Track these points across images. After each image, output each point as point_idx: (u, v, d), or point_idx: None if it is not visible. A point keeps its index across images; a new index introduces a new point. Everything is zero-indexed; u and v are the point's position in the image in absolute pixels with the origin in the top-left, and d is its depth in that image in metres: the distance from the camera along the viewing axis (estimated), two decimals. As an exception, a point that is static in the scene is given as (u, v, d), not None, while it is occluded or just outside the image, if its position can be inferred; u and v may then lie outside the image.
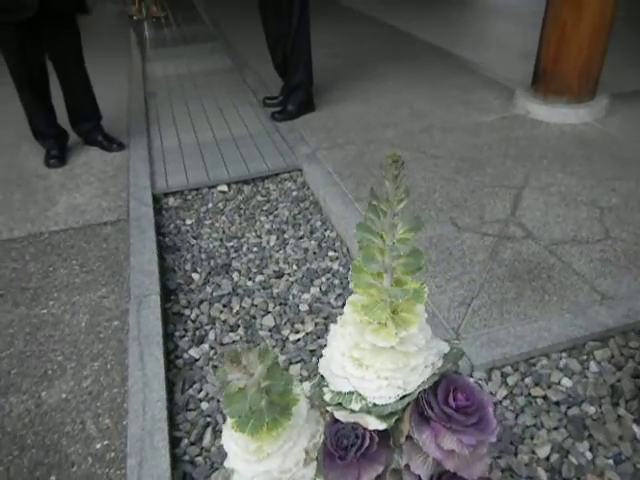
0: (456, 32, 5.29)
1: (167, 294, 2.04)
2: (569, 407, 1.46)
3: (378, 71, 4.16)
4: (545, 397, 1.50)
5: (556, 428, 1.41)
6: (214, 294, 2.03)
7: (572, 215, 2.21)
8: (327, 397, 0.89)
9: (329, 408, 0.88)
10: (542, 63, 3.12)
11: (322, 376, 0.94)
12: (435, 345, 0.93)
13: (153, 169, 2.87)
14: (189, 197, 2.70)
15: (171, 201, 2.66)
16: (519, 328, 1.67)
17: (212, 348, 1.79)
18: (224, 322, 1.89)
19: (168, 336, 1.83)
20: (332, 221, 2.39)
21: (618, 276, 1.86)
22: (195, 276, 2.14)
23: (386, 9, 6.12)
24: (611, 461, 1.33)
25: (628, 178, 2.44)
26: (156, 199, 2.65)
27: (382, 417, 0.84)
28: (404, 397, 0.85)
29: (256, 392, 0.79)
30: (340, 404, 0.87)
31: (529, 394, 1.51)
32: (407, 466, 0.84)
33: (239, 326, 1.87)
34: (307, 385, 0.95)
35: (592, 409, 1.45)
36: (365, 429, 0.85)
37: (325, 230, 2.37)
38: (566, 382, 1.53)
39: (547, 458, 1.35)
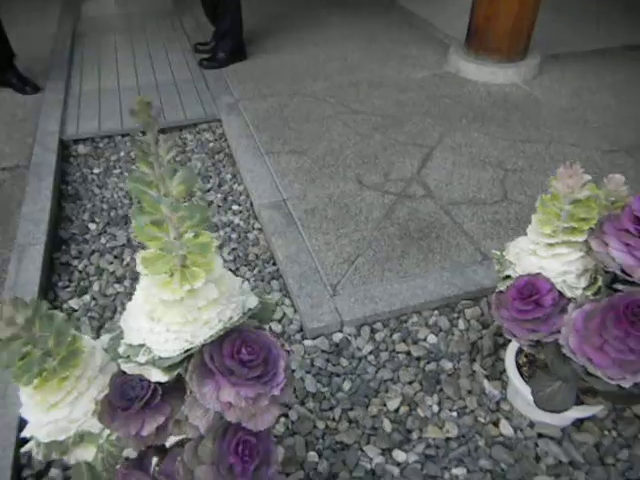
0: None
1: (59, 244, 1.99)
2: (428, 362, 1.51)
3: (320, 21, 4.02)
4: (408, 353, 1.54)
5: (411, 382, 1.46)
6: (107, 245, 1.99)
7: (476, 176, 2.22)
8: (120, 350, 0.88)
9: (119, 360, 0.87)
10: (475, 20, 3.06)
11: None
12: (237, 300, 0.93)
13: (66, 114, 2.75)
14: (100, 145, 2.60)
15: (80, 148, 2.56)
16: (396, 285, 1.69)
17: (94, 299, 1.77)
18: (112, 273, 1.87)
19: (50, 286, 1.80)
20: (242, 174, 2.35)
21: (505, 238, 1.89)
22: (92, 226, 2.09)
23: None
24: (455, 414, 1.38)
25: (539, 141, 2.45)
26: (65, 146, 2.55)
27: (164, 370, 0.84)
28: (189, 350, 0.85)
29: (20, 344, 0.77)
30: (129, 357, 0.87)
31: (394, 350, 1.55)
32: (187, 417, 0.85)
33: (126, 278, 1.85)
34: (106, 337, 0.94)
35: (449, 365, 1.50)
36: (149, 381, 0.85)
37: (234, 183, 2.33)
38: (431, 339, 1.57)
39: (396, 410, 1.39)
